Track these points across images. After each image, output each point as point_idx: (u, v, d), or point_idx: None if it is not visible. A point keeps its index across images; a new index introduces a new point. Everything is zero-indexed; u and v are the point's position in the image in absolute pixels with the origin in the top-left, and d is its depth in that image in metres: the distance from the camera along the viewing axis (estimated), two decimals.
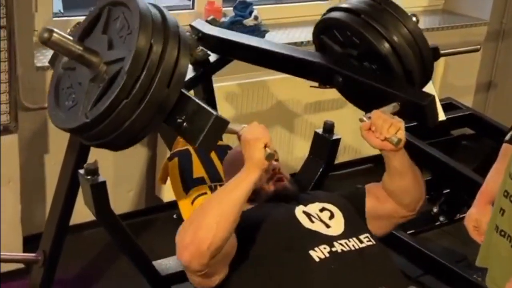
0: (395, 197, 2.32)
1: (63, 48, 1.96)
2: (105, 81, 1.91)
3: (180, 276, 2.81)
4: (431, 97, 2.35)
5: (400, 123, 2.15)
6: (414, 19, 2.50)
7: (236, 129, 2.03)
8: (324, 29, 2.61)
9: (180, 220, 2.52)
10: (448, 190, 4.13)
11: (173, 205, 2.55)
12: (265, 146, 1.94)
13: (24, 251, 3.29)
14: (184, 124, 1.96)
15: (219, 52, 2.85)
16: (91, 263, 3.53)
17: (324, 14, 2.63)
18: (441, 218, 4.11)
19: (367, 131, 2.16)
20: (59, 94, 2.10)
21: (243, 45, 2.74)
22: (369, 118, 2.17)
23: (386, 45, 2.43)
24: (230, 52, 2.85)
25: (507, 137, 2.26)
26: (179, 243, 1.96)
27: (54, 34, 1.90)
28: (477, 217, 2.22)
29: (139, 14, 1.89)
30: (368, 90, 2.47)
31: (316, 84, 2.70)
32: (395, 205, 2.33)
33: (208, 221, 1.91)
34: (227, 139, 3.19)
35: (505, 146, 2.26)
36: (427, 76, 2.57)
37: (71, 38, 1.98)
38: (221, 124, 1.97)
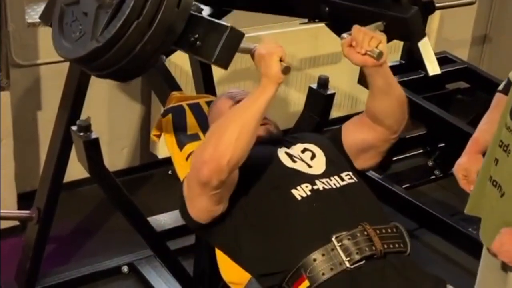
0: (377, 118, 2.26)
1: None
2: (113, 6, 1.88)
3: (176, 231, 2.84)
4: (414, 9, 2.28)
5: (381, 36, 2.11)
6: None
7: (249, 47, 2.01)
8: None
9: (175, 176, 2.51)
10: (443, 144, 4.13)
11: (168, 161, 2.53)
12: (281, 60, 1.94)
13: (19, 208, 3.29)
14: (198, 42, 1.93)
15: (210, 4, 2.81)
16: (86, 219, 3.55)
17: None
18: (436, 172, 4.13)
19: (348, 48, 2.12)
20: (63, 29, 2.06)
21: None
22: (350, 34, 2.13)
23: None
24: (221, 1, 2.81)
25: (501, 87, 2.24)
26: (197, 160, 1.97)
27: None
28: (467, 166, 2.20)
29: None
30: (355, 16, 2.38)
31: (305, 20, 2.63)
32: (377, 129, 2.27)
33: (227, 136, 1.92)
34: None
35: (498, 95, 2.24)
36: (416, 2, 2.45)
37: None
38: (237, 36, 1.92)
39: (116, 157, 3.82)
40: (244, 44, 1.98)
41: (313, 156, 2.24)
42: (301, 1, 2.57)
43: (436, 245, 3.53)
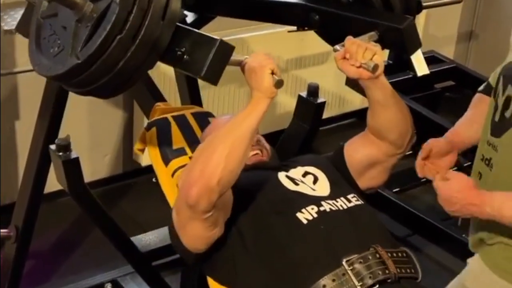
0: (380, 133, 2.18)
1: None
2: (93, 19, 1.80)
3: (162, 251, 2.73)
4: (409, 20, 2.22)
5: (375, 48, 2.03)
6: None
7: (239, 59, 1.92)
8: None
9: (159, 184, 2.40)
10: None
11: (152, 169, 2.44)
12: (272, 73, 1.85)
13: None
14: (185, 56, 1.85)
15: (195, 10, 2.72)
16: (67, 233, 3.45)
17: None
18: None
19: (342, 60, 2.05)
20: (41, 44, 1.98)
21: None
22: (343, 46, 2.05)
23: None
24: (205, 7, 2.72)
25: (481, 88, 2.18)
26: (185, 180, 1.87)
27: None
28: (432, 142, 2.11)
29: None
30: (346, 25, 2.34)
31: (294, 28, 2.56)
32: (382, 144, 2.19)
33: (217, 154, 1.82)
34: (206, 106, 3.08)
35: (478, 95, 2.19)
36: (409, 9, 2.40)
37: None
38: (227, 49, 1.85)
39: (98, 165, 3.73)
40: (233, 56, 1.89)
41: (315, 180, 2.16)
42: (289, 9, 2.49)
43: (430, 252, 3.48)
